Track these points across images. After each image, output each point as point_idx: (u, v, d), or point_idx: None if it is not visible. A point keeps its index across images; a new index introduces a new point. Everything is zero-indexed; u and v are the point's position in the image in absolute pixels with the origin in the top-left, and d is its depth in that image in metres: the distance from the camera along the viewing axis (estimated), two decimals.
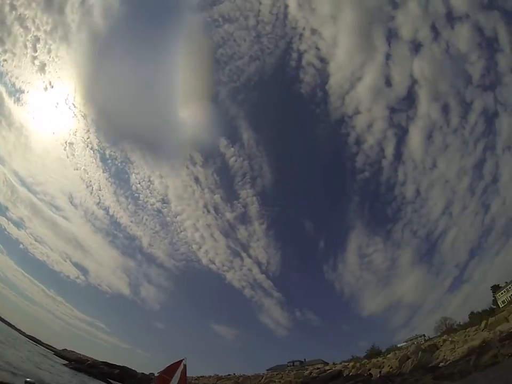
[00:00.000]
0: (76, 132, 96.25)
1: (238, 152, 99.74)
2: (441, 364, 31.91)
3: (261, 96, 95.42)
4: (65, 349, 36.16)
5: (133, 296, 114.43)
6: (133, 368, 38.06)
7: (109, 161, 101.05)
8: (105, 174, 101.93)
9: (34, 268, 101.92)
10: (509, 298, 50.78)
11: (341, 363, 58.43)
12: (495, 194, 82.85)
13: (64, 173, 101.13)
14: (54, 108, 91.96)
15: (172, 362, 7.38)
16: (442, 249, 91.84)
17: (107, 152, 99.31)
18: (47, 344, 44.08)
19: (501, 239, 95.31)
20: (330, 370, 42.62)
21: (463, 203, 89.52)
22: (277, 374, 59.41)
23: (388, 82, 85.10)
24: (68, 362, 25.13)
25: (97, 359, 32.72)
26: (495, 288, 62.26)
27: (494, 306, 56.06)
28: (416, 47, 78.33)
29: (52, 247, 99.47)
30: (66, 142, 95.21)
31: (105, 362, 32.15)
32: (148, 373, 43.12)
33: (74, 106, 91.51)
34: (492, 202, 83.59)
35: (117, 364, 33.34)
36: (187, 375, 7.47)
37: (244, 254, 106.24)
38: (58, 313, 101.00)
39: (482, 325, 40.02)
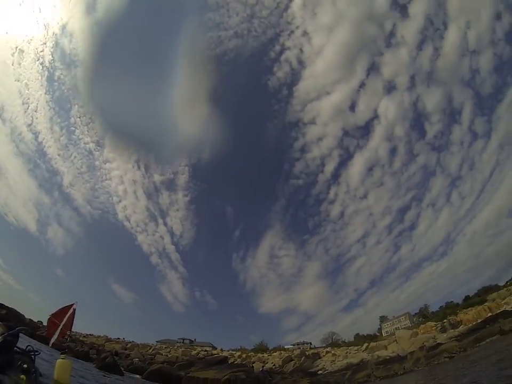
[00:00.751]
0: (31, 40, 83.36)
1: None
2: (320, 372, 33.68)
3: (227, 73, 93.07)
4: None
5: (38, 234, 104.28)
6: (22, 312, 34.38)
7: (56, 83, 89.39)
8: (47, 96, 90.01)
9: None
10: (392, 330, 56.15)
11: (228, 350, 59.60)
12: (408, 240, 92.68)
13: (2, 79, 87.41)
14: (16, 5, 78.27)
15: (64, 306, 7.04)
16: (347, 272, 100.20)
17: (57, 73, 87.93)
18: None
19: (400, 279, 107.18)
20: (217, 355, 42.63)
21: (378, 238, 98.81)
22: (165, 348, 59.01)
23: (352, 108, 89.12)
24: None
25: None
26: (383, 319, 69.14)
27: (378, 334, 62.08)
28: (390, 88, 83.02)
29: None
30: (16, 48, 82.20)
31: None
32: (36, 320, 40.50)
33: (40, 11, 79.01)
34: (403, 246, 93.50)
35: (5, 305, 29.84)
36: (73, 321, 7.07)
37: (160, 220, 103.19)
38: None
39: (364, 346, 43.59)
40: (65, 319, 6.77)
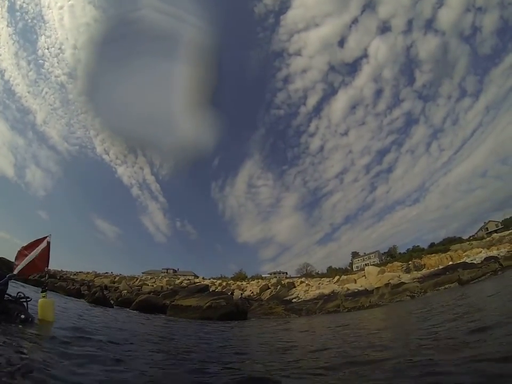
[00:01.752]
0: None
1: None
2: (294, 300, 37.23)
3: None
4: None
5: (16, 179, 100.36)
6: (12, 260, 33.59)
7: (19, 13, 77.35)
8: (9, 28, 78.72)
9: None
10: (362, 266, 61.59)
11: (209, 279, 63.26)
12: (384, 181, 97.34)
13: None
14: None
15: (36, 239, 6.53)
16: (324, 206, 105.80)
17: (19, 2, 75.33)
18: None
19: (374, 218, 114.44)
20: (198, 283, 45.83)
21: (356, 176, 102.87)
22: (151, 278, 61.59)
23: (341, 43, 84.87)
24: None
25: None
26: (354, 255, 75.00)
27: (349, 268, 67.97)
28: (384, 28, 78.80)
29: None
30: None
31: None
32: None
33: None
34: (379, 187, 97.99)
35: None
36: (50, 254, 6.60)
37: (139, 152, 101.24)
38: None
39: (335, 279, 47.82)
40: (36, 252, 6.45)
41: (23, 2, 75.89)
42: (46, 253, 6.48)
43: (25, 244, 6.49)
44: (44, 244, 6.46)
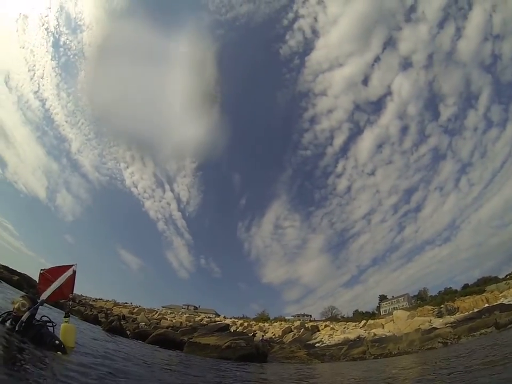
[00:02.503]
0: (35, 5, 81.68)
1: None
2: (317, 344, 35.41)
3: (238, 39, 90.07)
4: None
5: (48, 201, 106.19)
6: (34, 278, 35.73)
7: (62, 49, 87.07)
8: (53, 62, 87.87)
9: None
10: (390, 310, 57.99)
11: (231, 318, 61.83)
12: (413, 221, 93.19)
13: (7, 47, 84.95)
14: None
15: (61, 265, 6.83)
16: (350, 248, 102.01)
17: (63, 38, 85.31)
18: None
19: (402, 259, 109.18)
20: (219, 322, 44.60)
21: (383, 216, 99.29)
22: (170, 313, 60.87)
23: (365, 82, 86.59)
24: None
25: None
26: (382, 298, 71.07)
27: (376, 312, 64.21)
28: (406, 65, 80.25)
29: None
30: (20, 14, 79.44)
31: (6, 266, 29.02)
32: None
33: None
34: (407, 226, 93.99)
35: (18, 271, 30.56)
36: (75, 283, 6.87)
37: (167, 186, 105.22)
38: None
39: (362, 323, 45.23)
40: (62, 279, 6.58)
41: (67, 39, 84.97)
42: (71, 280, 6.73)
43: (47, 267, 6.74)
44: (69, 272, 6.72)
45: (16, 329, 4.65)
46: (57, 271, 6.66)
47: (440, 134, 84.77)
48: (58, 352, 4.88)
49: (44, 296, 6.18)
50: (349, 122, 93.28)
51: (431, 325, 32.11)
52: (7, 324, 4.78)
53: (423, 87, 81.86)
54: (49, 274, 6.53)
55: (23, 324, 4.72)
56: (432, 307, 44.54)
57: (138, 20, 74.03)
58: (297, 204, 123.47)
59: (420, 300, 60.46)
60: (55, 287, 6.37)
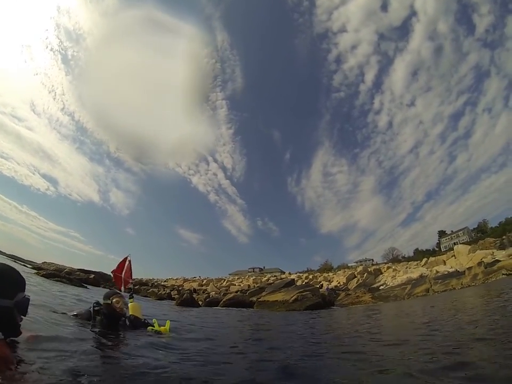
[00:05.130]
0: (32, 31, 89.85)
1: (210, 54, 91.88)
2: (381, 287, 37.61)
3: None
4: (44, 262, 36.15)
5: (102, 202, 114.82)
6: (108, 274, 39.25)
7: (72, 62, 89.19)
8: (68, 77, 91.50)
9: (4, 185, 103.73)
10: (451, 245, 57.64)
11: (296, 273, 64.69)
12: (464, 149, 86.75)
13: (23, 79, 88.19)
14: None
15: (120, 261, 8.47)
16: (402, 185, 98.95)
17: (70, 52, 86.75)
18: (28, 260, 44.05)
19: (458, 191, 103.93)
20: (285, 279, 46.60)
21: (431, 147, 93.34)
22: (238, 279, 64.38)
23: (384, 7, 78.17)
24: (41, 271, 25.85)
25: (74, 267, 32.83)
26: (441, 234, 70.07)
27: (437, 249, 64.11)
28: None
29: (18, 161, 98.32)
30: (22, 45, 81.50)
31: (82, 269, 32.84)
32: None
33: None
34: (459, 155, 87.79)
35: (93, 270, 33.76)
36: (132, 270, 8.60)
37: (210, 158, 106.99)
38: (33, 227, 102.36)
39: (423, 262, 46.39)
40: (124, 270, 8.00)
41: (73, 51, 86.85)
42: (129, 268, 8.31)
43: (115, 267, 8.26)
44: (127, 262, 8.32)
45: (128, 324, 5.44)
46: (120, 266, 8.33)
47: (480, 49, 75.82)
48: (150, 328, 5.74)
49: (122, 288, 8.01)
50: (376, 54, 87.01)
51: (494, 258, 32.34)
52: (97, 318, 5.00)
53: None
54: (116, 272, 8.21)
55: (131, 319, 5.64)
56: (494, 239, 43.88)
57: (131, 11, 73.27)
58: (341, 148, 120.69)
59: (480, 232, 58.94)
60: (123, 278, 8.12)
